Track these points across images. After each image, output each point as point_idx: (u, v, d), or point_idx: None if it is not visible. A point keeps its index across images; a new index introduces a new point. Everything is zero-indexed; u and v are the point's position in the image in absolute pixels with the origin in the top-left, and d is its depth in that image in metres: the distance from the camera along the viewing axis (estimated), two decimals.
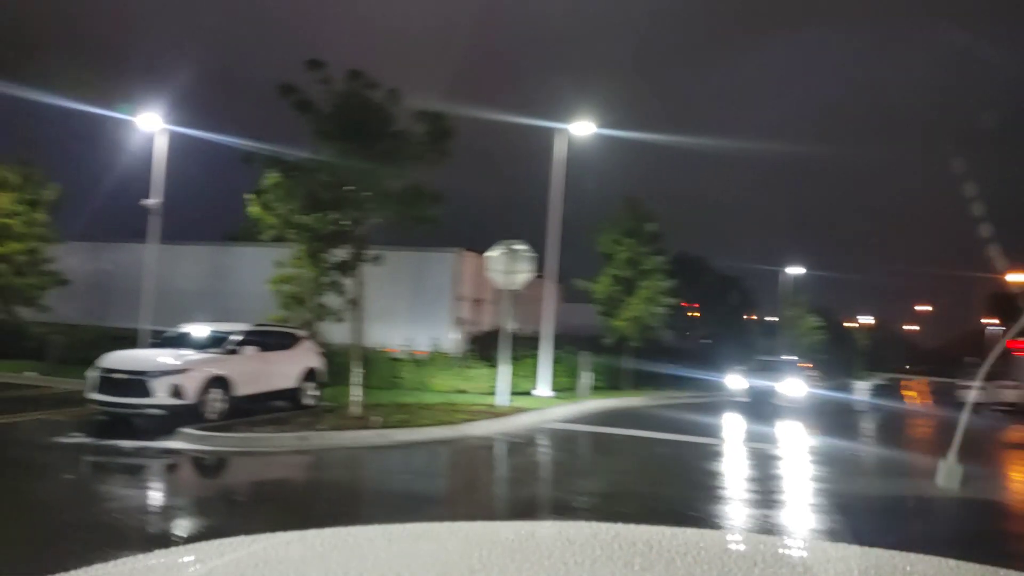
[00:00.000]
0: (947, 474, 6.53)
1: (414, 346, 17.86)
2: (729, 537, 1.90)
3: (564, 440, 12.57)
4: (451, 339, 18.53)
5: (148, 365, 10.96)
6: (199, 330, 12.90)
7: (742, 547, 1.51)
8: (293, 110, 12.13)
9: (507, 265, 14.41)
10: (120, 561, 1.26)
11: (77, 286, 18.63)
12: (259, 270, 16.68)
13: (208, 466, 9.35)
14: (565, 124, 16.55)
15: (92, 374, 11.22)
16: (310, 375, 13.95)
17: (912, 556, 1.34)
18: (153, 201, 17.06)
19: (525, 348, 16.70)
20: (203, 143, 17.82)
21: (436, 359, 17.66)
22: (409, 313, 18.16)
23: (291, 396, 13.49)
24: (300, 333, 14.25)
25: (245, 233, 17.67)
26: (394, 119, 12.54)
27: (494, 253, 14.58)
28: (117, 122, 18.30)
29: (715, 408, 18.26)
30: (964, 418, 7.15)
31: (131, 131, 17.36)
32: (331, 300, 16.03)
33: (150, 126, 17.10)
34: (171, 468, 9.34)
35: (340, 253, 15.23)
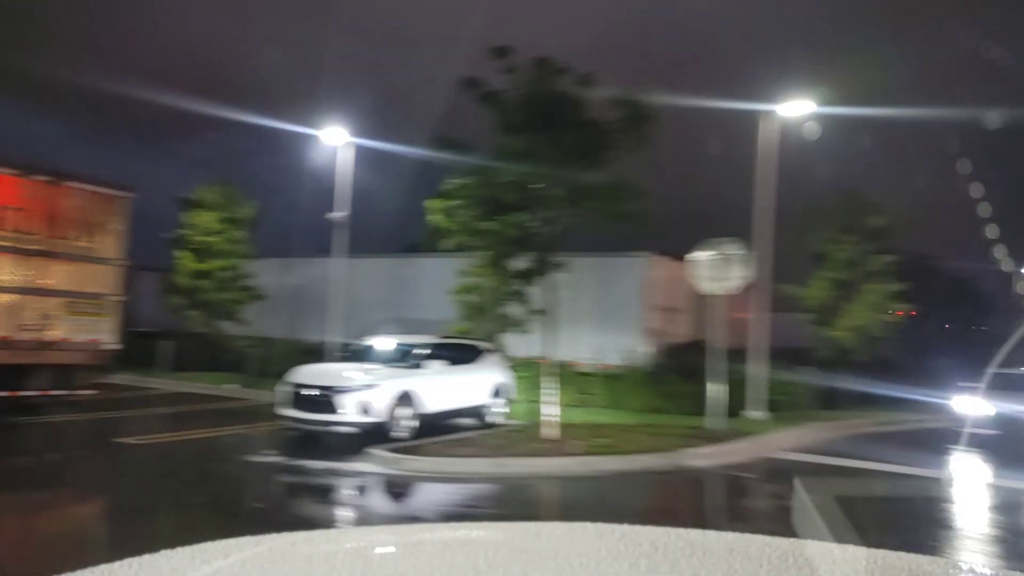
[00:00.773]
0: None
1: (603, 359, 16.43)
2: (734, 538, 1.56)
3: (813, 477, 9.88)
4: (642, 352, 16.90)
5: (336, 381, 10.42)
6: (385, 343, 12.34)
7: (747, 548, 1.46)
8: (478, 104, 11.22)
9: (717, 270, 12.57)
10: (124, 562, 1.22)
11: (272, 301, 19.20)
12: (439, 281, 16.09)
13: (401, 492, 8.47)
14: (773, 105, 14.43)
15: (282, 389, 10.90)
16: (497, 391, 12.95)
17: (919, 557, 1.33)
18: (339, 214, 17.11)
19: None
20: (387, 154, 17.68)
21: (629, 374, 16.11)
22: (596, 324, 16.80)
23: (477, 413, 12.57)
24: (485, 346, 13.31)
25: (429, 243, 17.38)
26: (587, 107, 11.26)
27: (701, 256, 12.81)
28: (303, 138, 18.69)
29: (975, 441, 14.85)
30: None
31: (317, 146, 17.58)
32: (515, 310, 15.06)
33: (335, 140, 17.21)
34: (362, 492, 8.59)
35: (524, 260, 14.17)
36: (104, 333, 11.95)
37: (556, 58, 11.21)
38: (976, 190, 19.83)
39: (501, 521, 1.85)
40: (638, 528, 1.50)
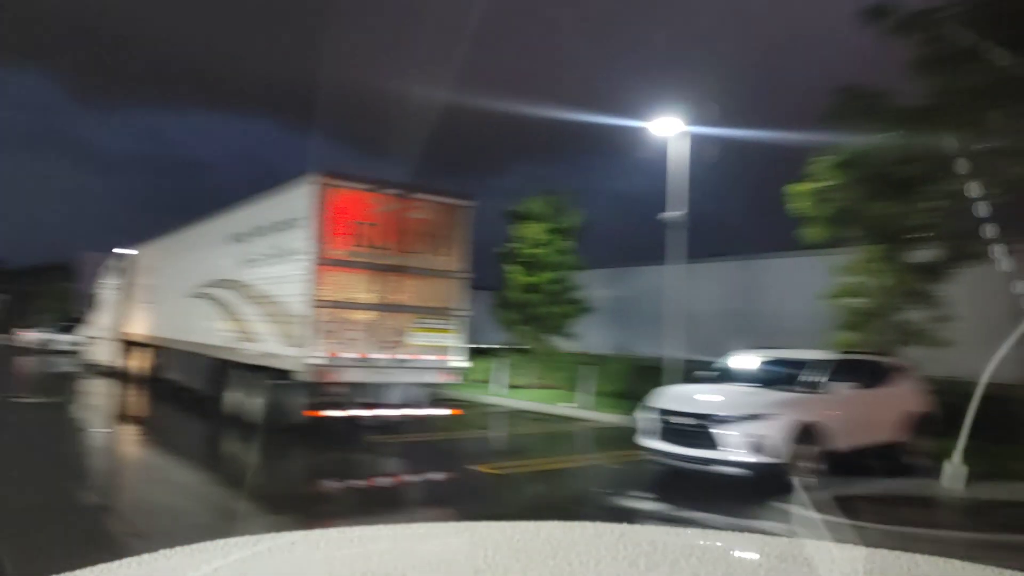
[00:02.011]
0: None
1: None
2: (733, 537, 1.62)
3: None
4: None
5: (714, 408, 8.31)
6: (757, 360, 9.94)
7: (747, 547, 1.48)
8: (891, 35, 8.38)
9: None
10: (124, 561, 1.22)
11: (601, 313, 17.96)
12: (801, 284, 13.19)
13: None
14: None
15: (646, 416, 9.11)
16: (917, 423, 9.75)
17: (917, 557, 1.33)
18: (673, 214, 15.19)
19: None
20: (727, 143, 15.33)
21: None
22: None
23: (891, 453, 9.52)
24: (896, 364, 10.17)
25: (787, 242, 14.65)
26: None
27: None
28: (628, 133, 17.15)
29: None
30: None
31: (645, 140, 15.86)
32: (917, 315, 11.63)
33: (666, 131, 15.35)
34: None
35: (927, 253, 10.82)
36: (452, 350, 11.41)
37: None
38: None
39: (501, 521, 1.47)
40: (637, 527, 1.54)
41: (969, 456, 8.33)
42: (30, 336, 30.20)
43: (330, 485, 8.61)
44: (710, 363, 10.62)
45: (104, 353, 21.14)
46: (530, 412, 15.62)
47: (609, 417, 14.27)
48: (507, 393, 17.27)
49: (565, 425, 13.86)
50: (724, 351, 10.82)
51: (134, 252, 20.17)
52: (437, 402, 11.82)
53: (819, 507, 6.91)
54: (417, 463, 10.15)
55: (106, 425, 13.22)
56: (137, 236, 19.71)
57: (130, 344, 19.60)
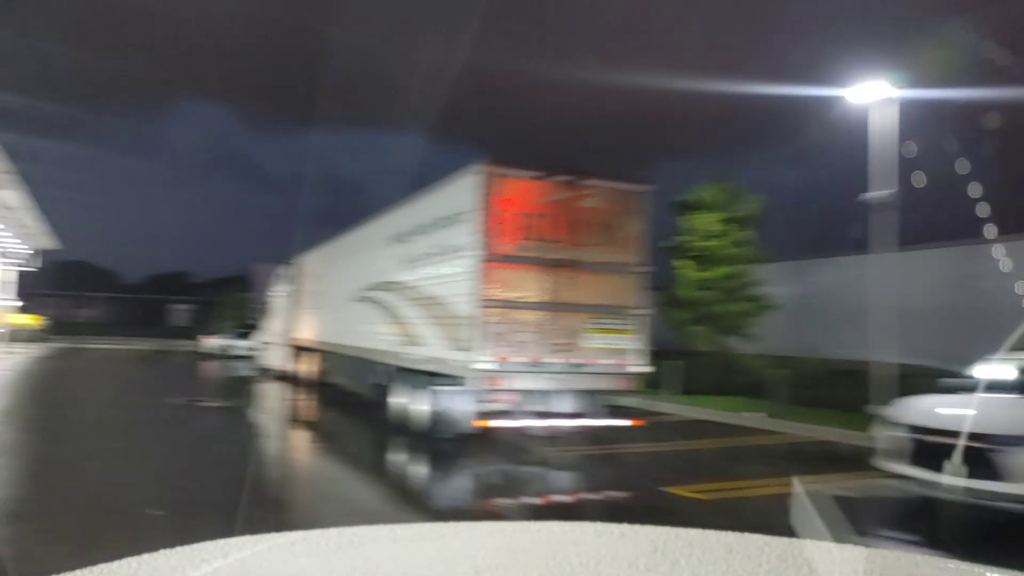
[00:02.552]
0: None
1: None
2: (733, 537, 1.50)
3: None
4: None
5: (999, 426, 6.47)
6: None
7: (747, 547, 1.45)
8: None
9: None
10: (124, 561, 1.22)
11: (785, 311, 15.99)
12: None
13: None
14: None
15: (889, 432, 7.39)
16: None
17: (919, 557, 1.34)
18: (879, 194, 13.03)
19: None
20: (948, 108, 12.91)
21: None
22: None
23: None
24: None
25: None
26: None
27: None
28: (817, 105, 15.09)
29: None
30: None
31: (841, 111, 13.77)
32: None
33: (868, 97, 13.22)
34: None
35: None
36: (630, 353, 10.18)
37: None
38: None
39: (500, 521, 1.65)
40: (637, 528, 1.51)
41: None
42: (212, 342, 32.35)
43: (503, 502, 7.70)
44: (931, 368, 8.67)
45: (276, 358, 21.88)
46: (712, 423, 14.03)
47: (809, 430, 12.42)
48: (681, 400, 15.74)
49: (758, 438, 12.18)
50: (943, 354, 8.81)
51: (300, 260, 20.68)
52: (613, 411, 10.65)
53: None
54: (598, 480, 9.01)
55: (277, 430, 13.23)
56: (303, 247, 20.16)
57: (299, 349, 20.06)
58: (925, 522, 6.92)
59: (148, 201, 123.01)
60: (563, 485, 8.84)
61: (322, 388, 17.88)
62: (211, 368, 26.63)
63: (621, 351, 10.15)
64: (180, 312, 62.52)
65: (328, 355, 17.42)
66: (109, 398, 16.38)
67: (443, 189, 10.75)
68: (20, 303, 37.12)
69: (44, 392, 17.12)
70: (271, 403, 17.04)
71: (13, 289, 35.67)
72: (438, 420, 10.43)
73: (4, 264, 34.13)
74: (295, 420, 14.68)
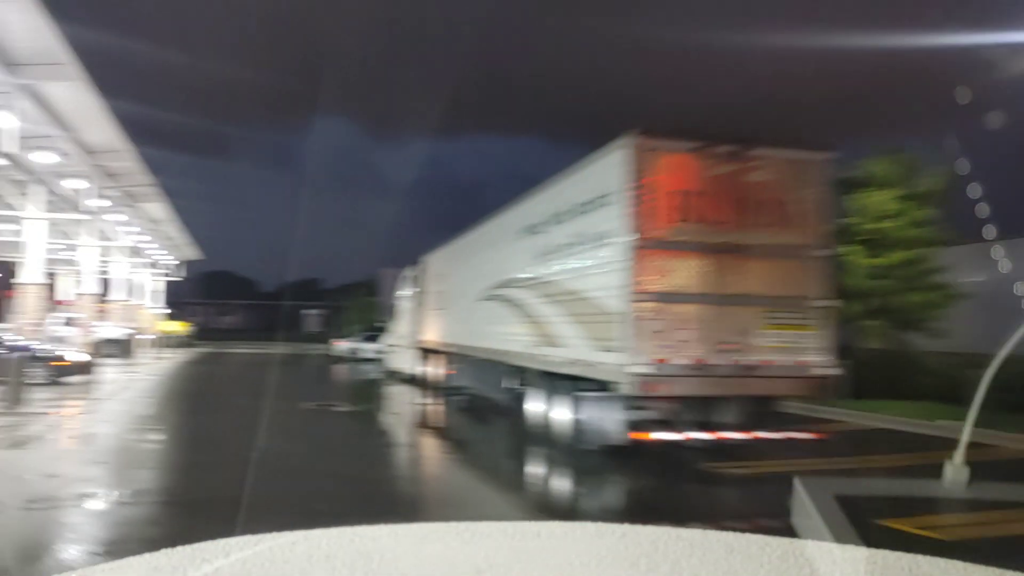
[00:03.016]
0: None
1: None
2: (734, 538, 1.48)
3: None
4: None
5: None
6: None
7: (747, 548, 1.43)
8: None
9: None
10: (124, 561, 1.23)
11: (980, 301, 13.62)
12: None
13: None
14: None
15: None
16: None
17: (919, 557, 1.31)
18: None
19: None
20: None
21: None
22: None
23: None
24: None
25: None
26: None
27: None
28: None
29: None
30: None
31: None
32: None
33: None
34: None
35: None
36: (813, 352, 8.58)
37: None
38: None
39: (501, 521, 1.50)
40: (638, 528, 1.51)
41: None
42: (342, 345, 32.91)
43: None
44: None
45: (403, 360, 21.56)
46: (899, 433, 12.03)
47: None
48: (852, 406, 13.73)
49: (971, 453, 10.13)
50: None
51: (425, 261, 20.21)
52: (787, 421, 9.07)
53: None
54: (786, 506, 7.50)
55: (408, 436, 12.54)
56: (428, 249, 19.70)
57: (426, 351, 19.57)
58: None
59: (282, 211, 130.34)
60: (743, 511, 7.41)
61: (450, 391, 17.21)
62: (341, 371, 26.85)
63: (801, 350, 8.57)
64: (312, 317, 65.12)
65: (456, 357, 16.72)
66: (248, 402, 16.45)
67: (584, 170, 9.56)
68: (168, 311, 39.51)
69: (192, 396, 17.49)
70: (400, 407, 16.52)
71: (162, 298, 37.98)
72: (583, 430, 9.27)
73: (153, 274, 36.36)
74: (425, 426, 13.99)
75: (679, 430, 8.47)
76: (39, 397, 13.98)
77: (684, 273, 8.30)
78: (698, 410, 8.71)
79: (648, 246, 8.20)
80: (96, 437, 10.50)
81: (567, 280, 9.89)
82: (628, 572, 1.27)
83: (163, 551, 1.27)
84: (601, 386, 8.84)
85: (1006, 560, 1.30)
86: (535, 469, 9.64)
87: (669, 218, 8.30)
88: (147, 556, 1.25)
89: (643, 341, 8.15)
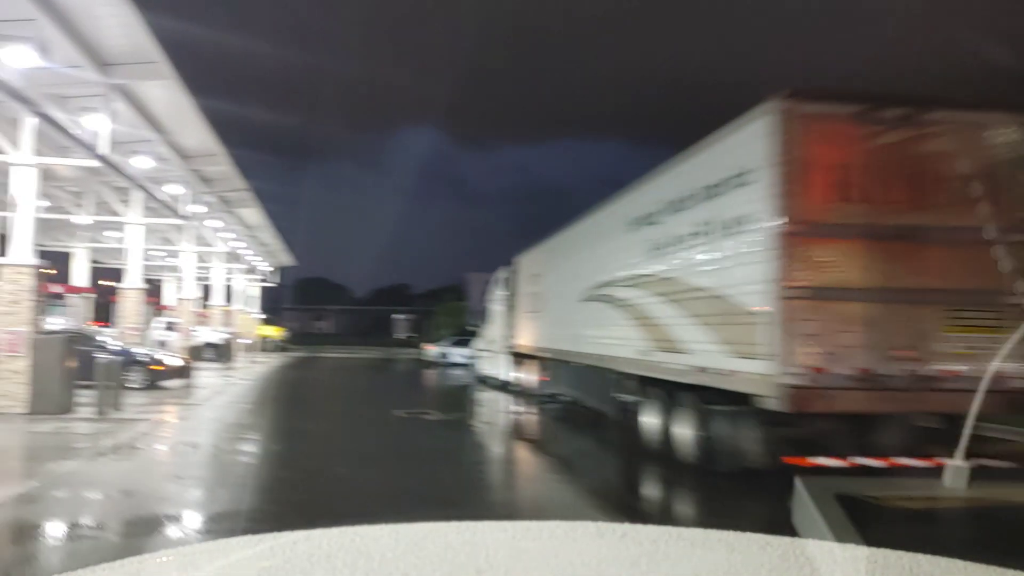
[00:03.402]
0: None
1: None
2: (735, 537, 1.43)
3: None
4: None
5: None
6: None
7: (748, 547, 1.40)
8: None
9: None
10: (126, 560, 1.18)
11: None
12: None
13: None
14: None
15: None
16: None
17: (919, 557, 1.27)
18: None
19: None
20: None
21: None
22: None
23: None
24: None
25: None
26: None
27: None
28: None
29: None
30: None
31: None
32: None
33: None
34: None
35: None
36: (1010, 360, 6.93)
37: None
38: None
39: (501, 521, 1.44)
40: (639, 527, 1.48)
41: None
42: (432, 350, 32.48)
43: None
44: None
45: (495, 366, 20.64)
46: None
47: None
48: None
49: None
50: None
51: (518, 262, 19.23)
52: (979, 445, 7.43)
53: None
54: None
55: (507, 451, 11.48)
56: (519, 250, 18.77)
57: (519, 356, 18.55)
58: None
59: (373, 219, 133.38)
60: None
61: (546, 400, 16.10)
62: (431, 376, 26.25)
63: (988, 355, 6.95)
64: (402, 322, 65.65)
65: (552, 363, 15.61)
66: (341, 408, 15.93)
67: (714, 147, 8.24)
68: (264, 316, 40.30)
69: (285, 402, 17.11)
70: (495, 416, 15.51)
71: (258, 303, 38.75)
72: (714, 450, 7.95)
73: (250, 280, 37.11)
74: (525, 439, 12.89)
75: (840, 454, 7.01)
76: (135, 402, 13.79)
77: (845, 264, 6.86)
78: (860, 429, 7.23)
79: (800, 232, 6.81)
80: (187, 447, 9.96)
81: (692, 276, 8.58)
82: (629, 572, 1.25)
83: (163, 551, 1.42)
84: (737, 399, 7.51)
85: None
86: (652, 493, 8.38)
87: (826, 198, 6.89)
88: (147, 556, 1.24)
89: (794, 346, 6.76)
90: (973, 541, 6.07)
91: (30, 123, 11.78)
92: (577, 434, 12.77)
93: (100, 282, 28.07)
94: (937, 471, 7.31)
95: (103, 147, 13.38)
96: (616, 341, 10.97)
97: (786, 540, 1.38)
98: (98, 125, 13.18)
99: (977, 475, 5.52)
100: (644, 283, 9.99)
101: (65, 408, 11.81)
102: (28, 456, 8.89)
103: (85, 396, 11.96)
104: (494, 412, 16.01)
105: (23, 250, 11.75)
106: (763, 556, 1.33)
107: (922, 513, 7.57)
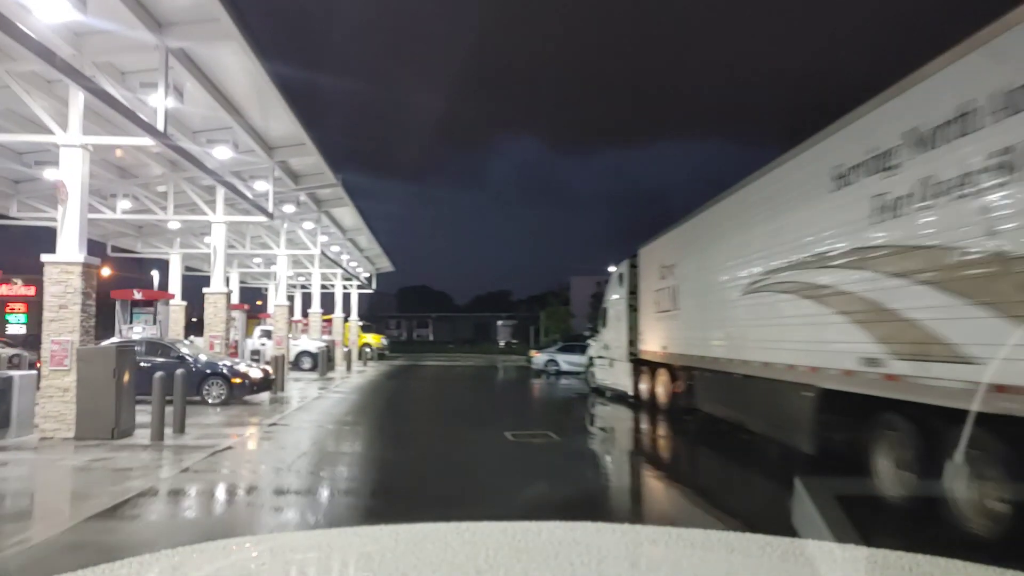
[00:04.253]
0: None
1: None
2: (734, 537, 1.50)
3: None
4: None
5: None
6: None
7: (748, 547, 1.43)
8: None
9: None
10: (125, 561, 1.15)
11: None
12: None
13: None
14: None
15: None
16: None
17: (919, 557, 1.27)
18: None
19: None
20: None
21: None
22: None
23: None
24: None
25: None
26: None
27: None
28: None
29: None
30: None
31: None
32: None
33: None
34: None
35: None
36: None
37: None
38: None
39: (501, 521, 1.41)
40: (639, 527, 1.49)
41: None
42: (539, 357, 30.10)
43: None
44: None
45: (614, 375, 17.82)
46: None
47: None
48: None
49: None
50: None
51: (640, 254, 16.34)
52: None
53: None
54: None
55: (661, 498, 8.54)
56: (613, 259, 16.03)
57: (644, 364, 15.66)
58: None
59: (472, 226, 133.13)
60: None
61: (684, 417, 13.16)
62: (540, 387, 23.67)
63: None
64: (504, 328, 63.75)
65: (693, 372, 12.67)
66: (442, 430, 13.52)
67: (998, 40, 5.12)
68: (364, 323, 39.04)
69: (380, 421, 14.91)
70: (628, 441, 12.62)
71: (356, 311, 37.52)
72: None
73: (348, 286, 35.89)
74: (681, 480, 9.80)
75: None
76: (206, 422, 11.87)
77: None
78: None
79: None
80: (240, 496, 7.70)
81: (980, 240, 5.45)
82: (628, 572, 1.26)
83: (164, 552, 1.22)
84: None
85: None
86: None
87: None
88: (147, 556, 1.21)
89: None
90: (973, 541, 5.27)
91: (77, 97, 10.06)
92: (755, 473, 9.65)
93: (204, 291, 27.31)
94: None
95: (170, 128, 11.56)
96: (811, 346, 7.94)
97: (786, 540, 1.35)
98: (161, 102, 11.35)
99: None
100: (874, 260, 6.88)
101: (125, 431, 9.96)
102: None
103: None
104: (625, 435, 13.12)
105: (71, 245, 9.99)
106: (763, 556, 1.32)
107: (922, 513, 6.05)
